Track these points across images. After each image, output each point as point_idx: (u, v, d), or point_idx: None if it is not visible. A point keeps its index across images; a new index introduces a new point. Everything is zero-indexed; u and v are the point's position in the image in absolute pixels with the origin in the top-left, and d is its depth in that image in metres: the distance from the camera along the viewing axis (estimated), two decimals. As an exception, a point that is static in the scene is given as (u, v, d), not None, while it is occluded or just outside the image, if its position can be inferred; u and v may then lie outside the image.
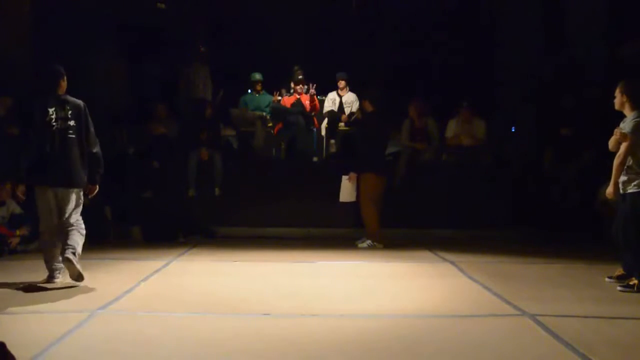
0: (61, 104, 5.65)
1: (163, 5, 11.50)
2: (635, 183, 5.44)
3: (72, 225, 5.57)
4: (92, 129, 5.74)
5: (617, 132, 5.53)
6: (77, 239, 5.54)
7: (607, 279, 5.81)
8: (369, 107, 8.14)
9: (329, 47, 12.01)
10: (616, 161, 5.45)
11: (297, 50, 11.66)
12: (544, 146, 9.08)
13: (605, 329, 4.36)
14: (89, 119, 5.73)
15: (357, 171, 7.91)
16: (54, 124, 5.56)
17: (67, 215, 5.58)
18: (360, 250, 7.75)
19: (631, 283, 5.47)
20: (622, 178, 5.55)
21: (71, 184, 5.61)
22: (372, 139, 8.07)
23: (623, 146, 5.41)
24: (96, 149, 5.76)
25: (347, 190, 7.98)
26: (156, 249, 7.55)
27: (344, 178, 7.98)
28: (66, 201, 5.59)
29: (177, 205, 8.68)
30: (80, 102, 5.74)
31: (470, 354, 3.82)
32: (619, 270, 5.74)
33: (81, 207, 5.73)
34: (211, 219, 8.89)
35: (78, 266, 5.40)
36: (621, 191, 5.59)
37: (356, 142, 8.34)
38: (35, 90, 7.68)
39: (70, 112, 5.63)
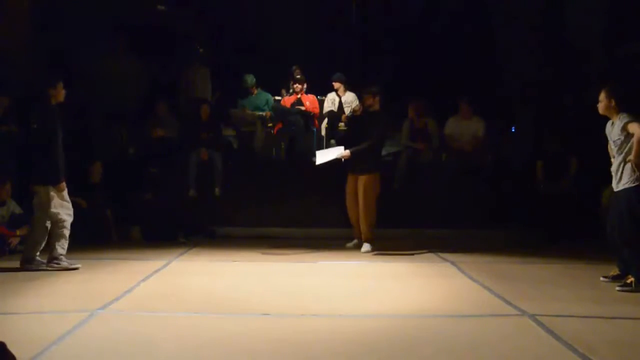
0: (35, 109, 6.30)
1: (163, 8, 11.50)
2: (626, 180, 5.47)
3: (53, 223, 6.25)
4: (46, 132, 6.16)
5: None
6: (60, 244, 6.29)
7: (602, 279, 5.82)
8: (376, 105, 7.77)
9: (329, 46, 12.02)
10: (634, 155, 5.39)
11: (297, 50, 11.66)
12: (536, 158, 9.03)
13: (605, 329, 4.36)
14: (49, 123, 6.16)
15: (376, 169, 7.67)
16: (34, 126, 6.23)
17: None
18: (360, 250, 7.71)
19: (628, 281, 5.49)
20: (615, 178, 5.58)
21: (34, 182, 6.29)
22: (383, 138, 8.04)
23: (636, 140, 5.36)
24: (49, 152, 6.18)
25: (327, 158, 7.60)
26: (156, 249, 7.55)
27: (341, 150, 7.61)
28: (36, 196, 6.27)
29: (177, 206, 8.67)
30: (50, 107, 6.21)
31: (471, 354, 3.82)
32: (614, 270, 5.75)
33: (49, 204, 6.22)
34: (211, 219, 8.88)
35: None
36: (615, 189, 5.62)
37: (367, 135, 7.74)
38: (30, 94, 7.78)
39: (37, 117, 6.24)
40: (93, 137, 9.49)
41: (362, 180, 7.61)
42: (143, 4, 11.53)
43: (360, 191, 7.61)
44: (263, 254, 7.45)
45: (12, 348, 3.16)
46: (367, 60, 12.00)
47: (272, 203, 9.02)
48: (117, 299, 5.02)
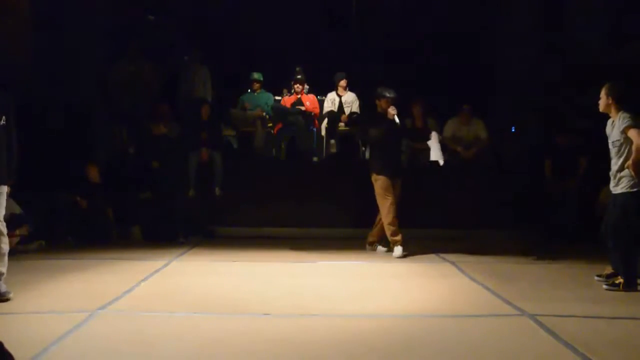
0: None
1: (152, 17, 11.52)
2: (625, 184, 5.49)
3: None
4: None
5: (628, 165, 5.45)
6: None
7: (596, 278, 5.84)
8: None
9: (329, 47, 12.02)
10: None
11: (298, 50, 11.67)
12: (543, 157, 9.01)
13: (605, 329, 4.36)
14: None
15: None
16: None
17: None
18: (360, 250, 7.70)
19: (617, 282, 5.54)
20: (613, 180, 5.59)
21: None
22: None
23: (635, 148, 5.35)
24: None
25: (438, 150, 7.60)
26: (156, 249, 7.55)
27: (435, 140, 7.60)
28: None
29: (177, 206, 8.67)
30: None
31: (471, 354, 3.82)
32: (608, 269, 5.76)
33: None
34: (211, 219, 8.88)
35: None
36: (613, 191, 5.64)
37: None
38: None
39: None
40: (93, 138, 9.49)
41: (399, 182, 7.52)
42: (142, 4, 11.56)
43: (397, 194, 7.48)
44: (263, 253, 7.45)
45: (12, 348, 3.16)
46: (367, 60, 11.99)
47: (272, 203, 9.01)
48: (117, 299, 5.02)
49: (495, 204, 8.88)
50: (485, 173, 9.31)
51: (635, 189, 5.45)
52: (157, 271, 6.21)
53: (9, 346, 3.16)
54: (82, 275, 6.02)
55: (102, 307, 4.73)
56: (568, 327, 4.27)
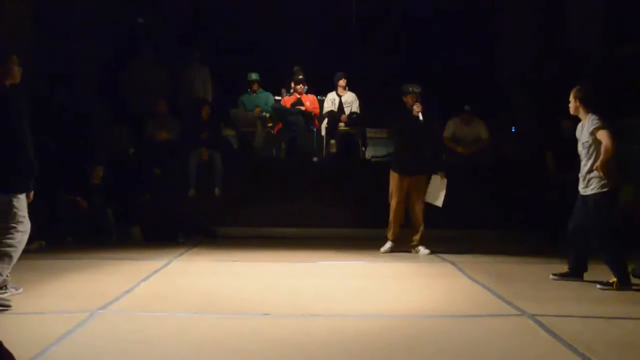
0: None
1: (142, 21, 11.53)
2: (595, 185, 5.51)
3: None
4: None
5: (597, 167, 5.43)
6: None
7: (551, 276, 5.93)
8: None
9: (329, 47, 12.03)
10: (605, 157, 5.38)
11: (298, 50, 11.68)
12: (545, 149, 8.99)
13: (605, 329, 4.36)
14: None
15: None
16: None
17: None
18: (360, 250, 7.71)
19: (610, 281, 5.55)
20: (582, 182, 5.61)
21: None
22: None
23: (604, 149, 5.35)
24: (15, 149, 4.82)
25: (442, 194, 7.38)
26: (156, 249, 7.55)
27: (435, 177, 7.38)
28: None
29: (177, 206, 8.67)
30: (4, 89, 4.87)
31: (471, 354, 3.82)
32: (612, 278, 5.69)
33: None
34: (211, 219, 8.88)
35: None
36: (582, 193, 5.65)
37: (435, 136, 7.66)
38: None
39: None
40: (94, 139, 9.49)
41: (421, 180, 7.48)
42: (141, 4, 11.57)
43: (419, 191, 7.42)
44: (263, 253, 7.45)
45: (12, 348, 3.16)
46: (367, 59, 12.01)
47: (272, 203, 9.02)
48: (117, 299, 5.02)
49: (495, 204, 8.88)
50: (485, 173, 9.31)
51: (605, 189, 5.47)
52: (157, 271, 6.21)
53: (9, 346, 3.16)
54: (82, 275, 6.02)
55: (102, 307, 4.72)
56: (568, 327, 4.27)
